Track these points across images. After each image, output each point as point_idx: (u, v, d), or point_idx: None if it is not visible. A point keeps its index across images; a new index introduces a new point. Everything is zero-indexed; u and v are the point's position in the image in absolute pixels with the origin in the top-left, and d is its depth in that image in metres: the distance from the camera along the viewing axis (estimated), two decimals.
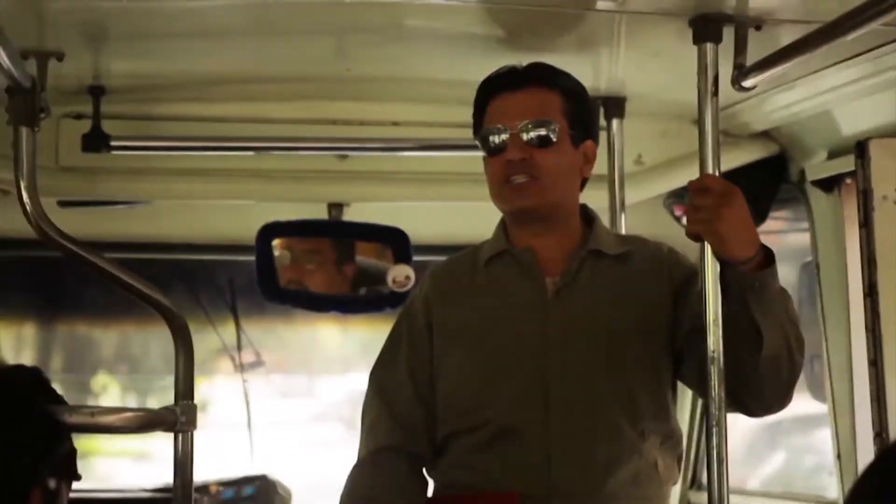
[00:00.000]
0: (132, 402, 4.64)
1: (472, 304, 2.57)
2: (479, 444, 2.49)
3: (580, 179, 2.60)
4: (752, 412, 2.48)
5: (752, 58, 2.46)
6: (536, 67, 2.58)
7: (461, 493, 2.51)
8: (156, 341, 4.46)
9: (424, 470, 2.59)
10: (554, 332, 2.50)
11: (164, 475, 3.90)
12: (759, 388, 2.40)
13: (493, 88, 2.58)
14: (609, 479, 2.45)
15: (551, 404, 2.46)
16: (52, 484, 2.43)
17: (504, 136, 2.53)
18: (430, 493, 2.59)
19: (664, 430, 2.51)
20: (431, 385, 2.56)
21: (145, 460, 4.73)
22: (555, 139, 2.51)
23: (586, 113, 2.61)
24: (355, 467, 2.58)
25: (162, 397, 4.67)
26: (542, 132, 2.51)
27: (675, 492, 3.19)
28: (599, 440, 2.45)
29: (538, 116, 2.52)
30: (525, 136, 2.51)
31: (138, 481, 4.20)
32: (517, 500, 2.42)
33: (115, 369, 4.69)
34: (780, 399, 2.43)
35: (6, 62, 2.25)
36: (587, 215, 2.63)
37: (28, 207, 2.49)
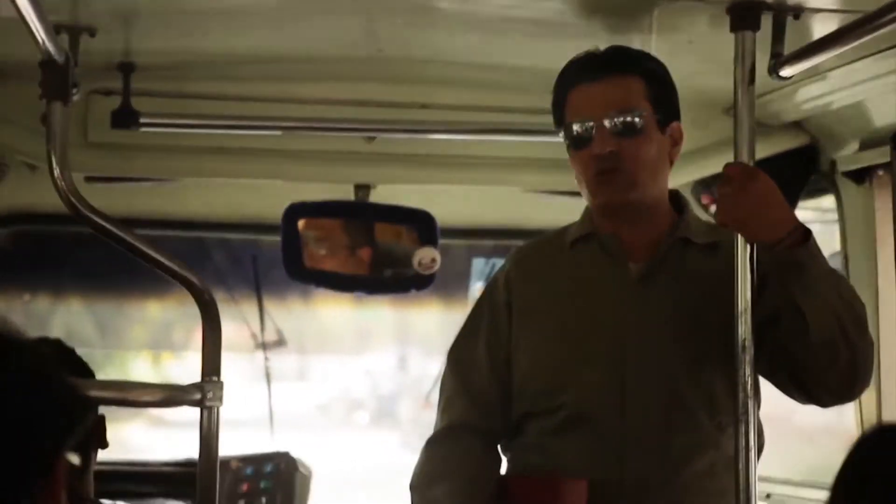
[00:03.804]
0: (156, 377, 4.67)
1: (553, 285, 2.55)
2: (554, 427, 2.47)
3: (669, 164, 2.54)
4: (822, 402, 2.43)
5: (787, 47, 2.45)
6: (616, 52, 2.52)
7: (532, 474, 2.50)
8: (178, 317, 4.47)
9: (499, 448, 2.58)
10: (635, 319, 2.47)
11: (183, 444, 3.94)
12: (821, 376, 2.35)
13: (574, 78, 2.52)
14: (684, 470, 2.43)
15: (628, 392, 2.43)
16: (78, 455, 2.45)
17: (589, 129, 2.47)
18: (503, 471, 2.58)
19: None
20: (509, 364, 2.54)
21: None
22: (641, 127, 2.46)
23: (670, 93, 2.55)
24: (429, 442, 2.59)
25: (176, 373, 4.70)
26: (629, 122, 2.46)
27: None
28: (676, 431, 2.42)
29: (623, 105, 2.46)
30: (611, 128, 2.45)
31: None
32: (586, 489, 2.40)
33: (139, 344, 4.71)
34: (847, 386, 2.37)
35: (41, 36, 2.25)
36: (678, 202, 2.58)
37: (59, 182, 2.49)
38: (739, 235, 2.35)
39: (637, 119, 2.47)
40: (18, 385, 1.25)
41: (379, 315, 4.49)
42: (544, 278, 2.57)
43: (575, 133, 2.49)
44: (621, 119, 2.47)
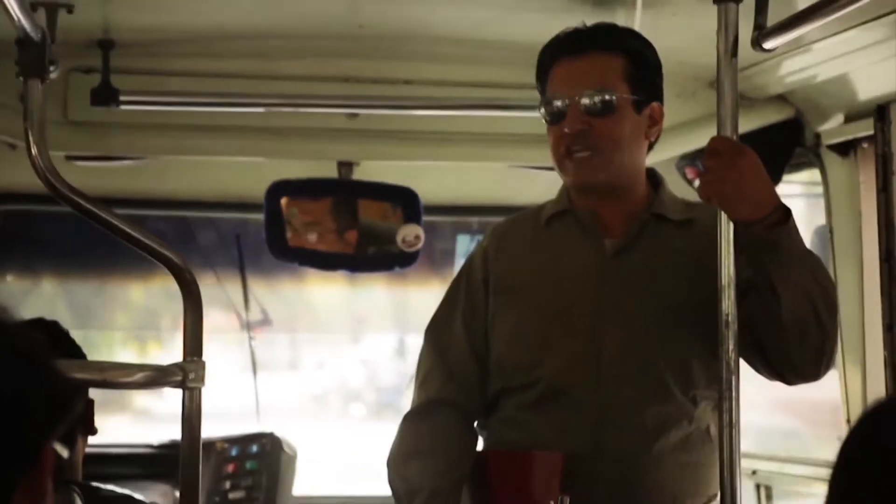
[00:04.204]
0: (138, 358, 4.63)
1: (529, 261, 2.55)
2: (530, 402, 2.48)
3: (645, 144, 2.54)
4: (787, 380, 2.44)
5: (770, 19, 2.42)
6: (600, 30, 2.52)
7: (509, 449, 2.50)
8: (162, 298, 4.44)
9: (476, 425, 2.59)
10: (609, 295, 2.48)
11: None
12: (789, 355, 2.37)
13: (556, 54, 2.52)
14: (657, 442, 2.44)
15: (602, 366, 2.45)
16: (66, 440, 2.42)
17: (563, 106, 2.47)
18: (479, 448, 2.59)
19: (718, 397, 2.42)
20: (486, 340, 2.55)
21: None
22: (615, 108, 2.47)
23: (651, 74, 2.55)
24: (406, 418, 2.58)
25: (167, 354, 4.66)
26: (603, 100, 2.46)
27: None
28: (649, 404, 2.43)
29: (599, 84, 2.46)
30: (584, 106, 2.46)
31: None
32: (561, 461, 2.41)
33: (121, 325, 4.68)
34: (813, 366, 2.38)
35: (17, 13, 2.22)
36: (654, 179, 2.59)
37: (37, 161, 2.46)
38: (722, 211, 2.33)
39: (611, 98, 2.47)
40: (6, 372, 1.23)
41: (373, 295, 4.46)
42: (521, 255, 2.57)
43: (552, 108, 2.50)
44: (597, 98, 2.47)
